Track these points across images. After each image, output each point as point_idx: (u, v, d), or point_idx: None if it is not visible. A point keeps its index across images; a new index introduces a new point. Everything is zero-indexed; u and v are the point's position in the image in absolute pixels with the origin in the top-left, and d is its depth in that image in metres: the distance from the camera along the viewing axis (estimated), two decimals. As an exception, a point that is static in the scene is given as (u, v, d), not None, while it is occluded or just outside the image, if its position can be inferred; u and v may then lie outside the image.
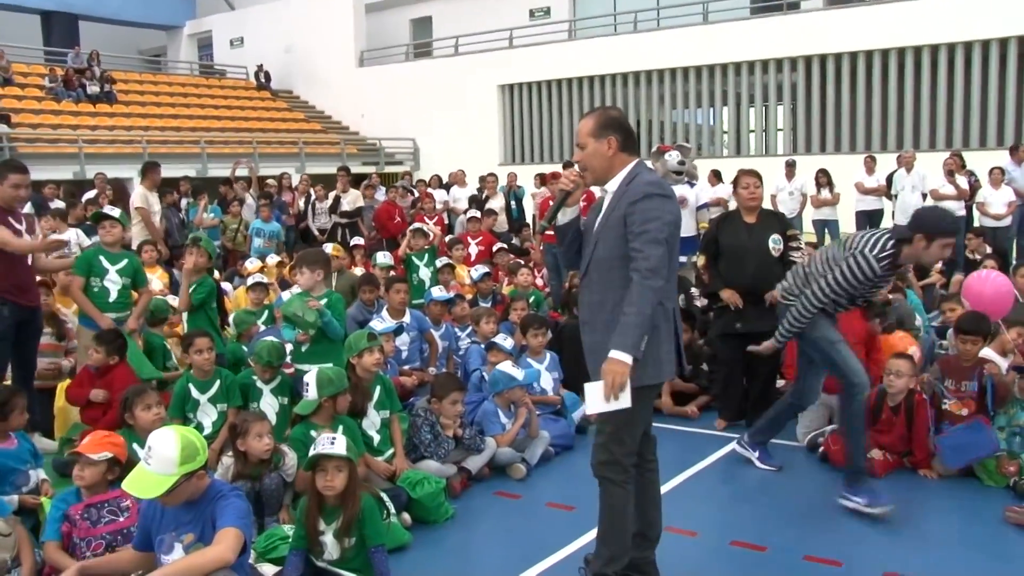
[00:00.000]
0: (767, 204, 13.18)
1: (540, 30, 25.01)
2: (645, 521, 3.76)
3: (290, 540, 3.88)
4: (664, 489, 4.85)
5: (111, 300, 6.14)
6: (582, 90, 23.91)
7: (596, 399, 3.32)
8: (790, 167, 14.10)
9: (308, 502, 3.82)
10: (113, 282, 6.16)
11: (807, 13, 20.96)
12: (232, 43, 31.36)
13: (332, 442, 3.76)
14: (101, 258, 6.18)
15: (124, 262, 6.25)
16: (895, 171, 13.00)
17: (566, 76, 24.00)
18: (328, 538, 3.75)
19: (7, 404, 4.47)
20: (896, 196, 12.84)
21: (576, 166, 3.69)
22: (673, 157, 8.57)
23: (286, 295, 7.28)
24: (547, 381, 6.08)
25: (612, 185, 3.56)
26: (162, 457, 3.19)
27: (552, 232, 3.76)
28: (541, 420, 5.68)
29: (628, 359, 3.26)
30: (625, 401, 3.28)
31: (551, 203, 3.43)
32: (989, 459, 4.97)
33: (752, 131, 22.57)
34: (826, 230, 13.63)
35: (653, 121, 23.18)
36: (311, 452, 3.83)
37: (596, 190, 3.77)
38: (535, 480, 5.26)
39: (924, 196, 12.60)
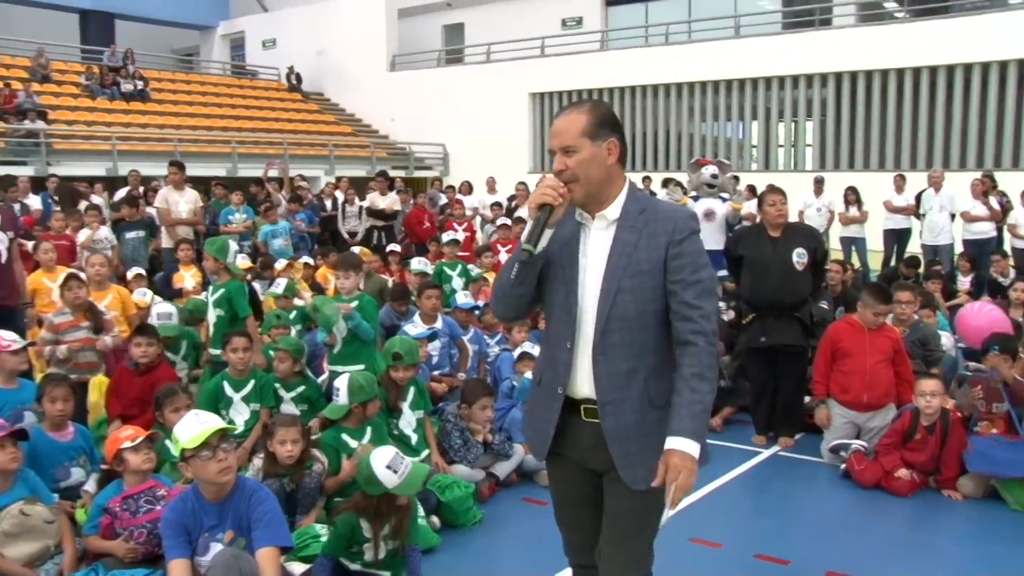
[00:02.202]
0: (795, 220, 13.24)
1: (572, 39, 25.10)
2: None
3: (323, 544, 3.96)
4: (689, 501, 4.95)
5: None
6: (612, 100, 23.93)
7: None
8: (818, 183, 14.09)
9: (366, 520, 3.86)
10: None
11: (839, 30, 20.93)
12: (264, 44, 31.61)
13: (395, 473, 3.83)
14: None
15: None
16: (924, 190, 12.96)
17: (597, 86, 24.03)
18: (369, 544, 3.83)
19: (39, 389, 4.62)
20: (924, 216, 12.81)
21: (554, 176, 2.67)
22: (708, 170, 8.68)
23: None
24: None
25: (613, 211, 2.65)
26: None
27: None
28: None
29: (699, 451, 2.52)
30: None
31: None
32: (1014, 482, 4.98)
33: (781, 146, 22.53)
34: (853, 247, 13.60)
35: (683, 134, 23.21)
36: (368, 471, 3.84)
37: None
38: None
39: (952, 216, 12.59)
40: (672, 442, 2.49)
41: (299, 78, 29.10)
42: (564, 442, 2.76)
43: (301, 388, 5.64)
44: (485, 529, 4.72)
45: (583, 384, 2.67)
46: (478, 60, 26.92)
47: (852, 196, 13.65)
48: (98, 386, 5.97)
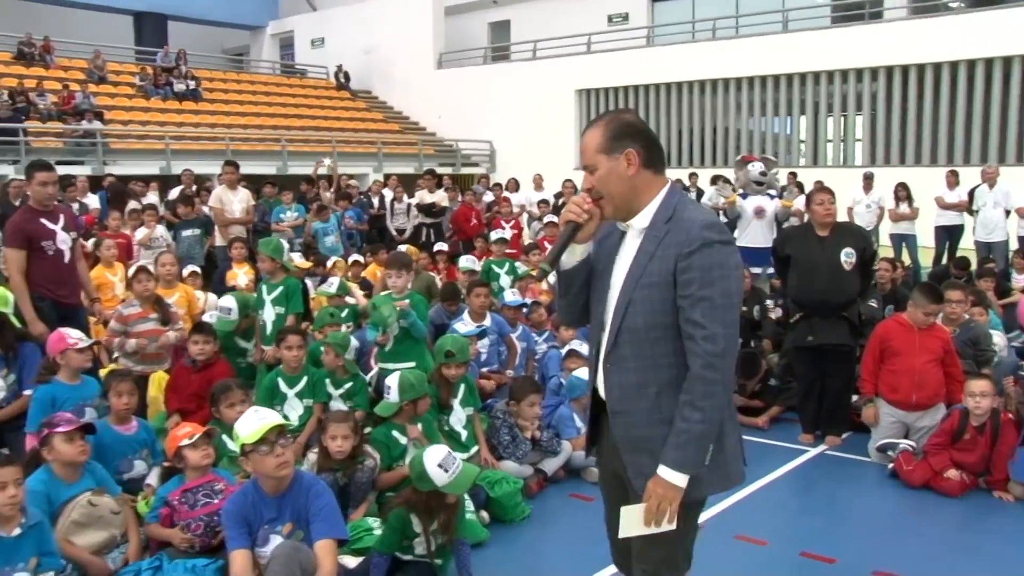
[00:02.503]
0: (843, 216, 13.14)
1: (618, 36, 25.12)
2: None
3: (377, 540, 4.07)
4: (736, 498, 4.99)
5: None
6: (659, 96, 23.92)
7: (633, 522, 2.58)
8: (868, 180, 13.95)
9: (416, 515, 3.95)
10: None
11: (890, 23, 20.67)
12: (313, 43, 32.04)
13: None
14: None
15: None
16: (977, 186, 12.77)
17: (643, 82, 24.04)
18: (420, 538, 3.95)
19: (104, 384, 4.80)
20: (977, 212, 12.63)
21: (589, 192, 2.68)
22: (756, 167, 8.70)
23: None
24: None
25: (641, 220, 2.61)
26: None
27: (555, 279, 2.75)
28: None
29: (684, 481, 2.51)
30: (670, 522, 2.55)
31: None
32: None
33: (830, 141, 22.30)
34: (903, 244, 13.44)
35: (730, 129, 23.09)
36: (420, 468, 3.91)
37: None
38: (608, 485, 5.39)
39: (1007, 213, 12.39)
40: (659, 469, 2.52)
41: (347, 76, 29.44)
42: (599, 442, 2.88)
43: (349, 384, 5.77)
44: (533, 524, 4.80)
45: (603, 391, 2.72)
46: (524, 57, 27.03)
47: (903, 192, 13.49)
48: (158, 382, 6.18)
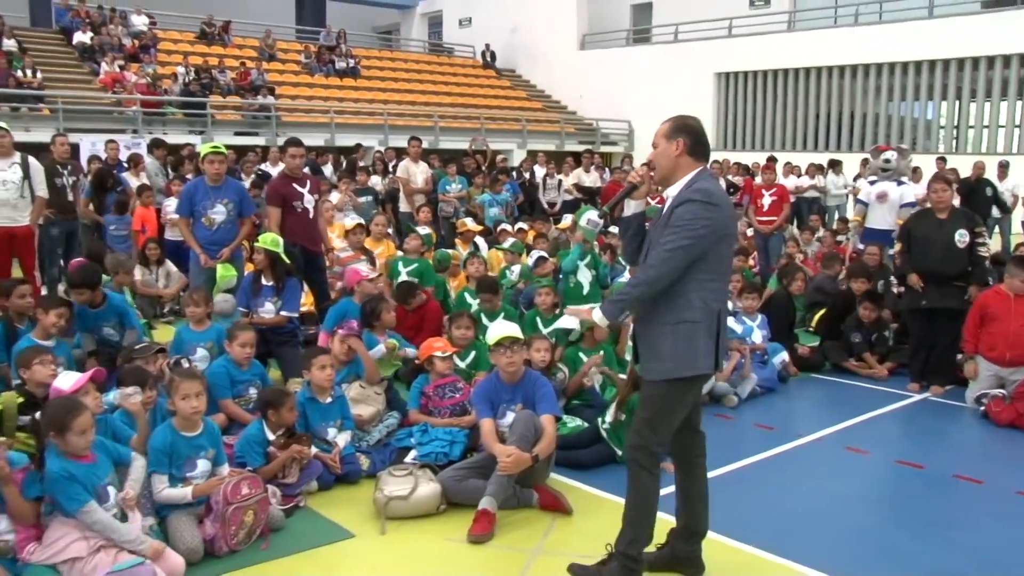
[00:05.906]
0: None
1: (759, 20, 25.65)
2: (692, 516, 3.83)
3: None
4: (849, 423, 6.25)
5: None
6: (798, 81, 24.42)
7: (569, 319, 4.00)
8: (1003, 168, 14.55)
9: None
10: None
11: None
12: (461, 23, 33.44)
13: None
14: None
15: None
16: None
17: (783, 66, 24.59)
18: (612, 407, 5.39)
19: (376, 309, 6.38)
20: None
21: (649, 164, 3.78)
22: (884, 155, 9.67)
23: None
24: (757, 336, 7.44)
25: (673, 190, 3.60)
26: None
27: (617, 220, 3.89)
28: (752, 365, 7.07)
29: (601, 319, 3.64)
30: (573, 323, 4.23)
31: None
32: None
33: (971, 127, 22.42)
34: (1036, 231, 14.00)
35: (868, 114, 23.44)
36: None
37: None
38: (744, 408, 6.70)
39: None
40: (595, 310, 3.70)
41: (493, 55, 30.77)
42: None
43: (502, 313, 7.24)
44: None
45: None
46: (665, 40, 27.79)
47: (1036, 180, 14.05)
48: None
